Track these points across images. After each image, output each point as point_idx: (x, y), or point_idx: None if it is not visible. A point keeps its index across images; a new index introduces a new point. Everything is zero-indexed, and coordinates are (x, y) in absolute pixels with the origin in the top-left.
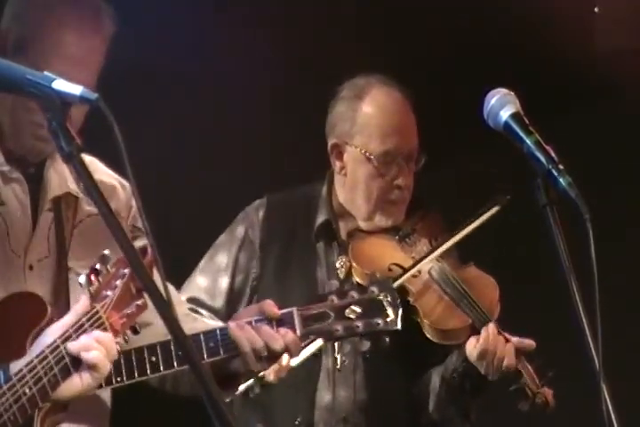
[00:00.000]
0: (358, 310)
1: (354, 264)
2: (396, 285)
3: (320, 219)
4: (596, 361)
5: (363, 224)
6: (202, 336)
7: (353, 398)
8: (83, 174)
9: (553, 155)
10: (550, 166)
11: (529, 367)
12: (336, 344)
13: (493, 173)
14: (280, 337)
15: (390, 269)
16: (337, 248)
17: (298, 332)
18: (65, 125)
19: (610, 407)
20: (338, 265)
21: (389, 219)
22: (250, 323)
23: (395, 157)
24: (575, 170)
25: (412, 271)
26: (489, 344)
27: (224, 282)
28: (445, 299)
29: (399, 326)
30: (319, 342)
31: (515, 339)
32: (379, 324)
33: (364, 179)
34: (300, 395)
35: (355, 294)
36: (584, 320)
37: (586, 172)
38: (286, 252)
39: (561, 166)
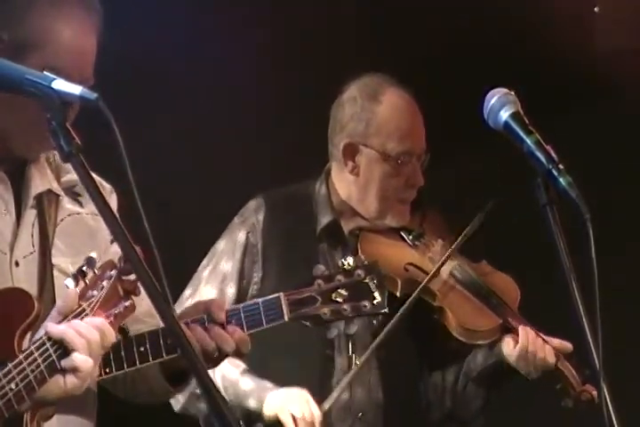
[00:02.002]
0: (345, 293)
1: None
2: (421, 286)
3: (325, 219)
4: (596, 361)
5: (373, 222)
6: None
7: (368, 396)
8: (82, 174)
9: (553, 154)
10: (550, 166)
11: (569, 366)
12: (350, 344)
13: (493, 173)
14: (230, 338)
15: (407, 270)
16: (342, 248)
17: (285, 316)
18: (65, 125)
19: (610, 407)
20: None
21: (400, 219)
22: (203, 324)
23: (411, 157)
24: (575, 170)
25: (433, 272)
26: (529, 346)
27: (231, 290)
28: (472, 299)
29: (386, 309)
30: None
31: (554, 340)
32: (366, 306)
33: (379, 179)
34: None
35: (341, 278)
36: (584, 320)
37: (586, 172)
38: (288, 253)
39: (561, 166)
